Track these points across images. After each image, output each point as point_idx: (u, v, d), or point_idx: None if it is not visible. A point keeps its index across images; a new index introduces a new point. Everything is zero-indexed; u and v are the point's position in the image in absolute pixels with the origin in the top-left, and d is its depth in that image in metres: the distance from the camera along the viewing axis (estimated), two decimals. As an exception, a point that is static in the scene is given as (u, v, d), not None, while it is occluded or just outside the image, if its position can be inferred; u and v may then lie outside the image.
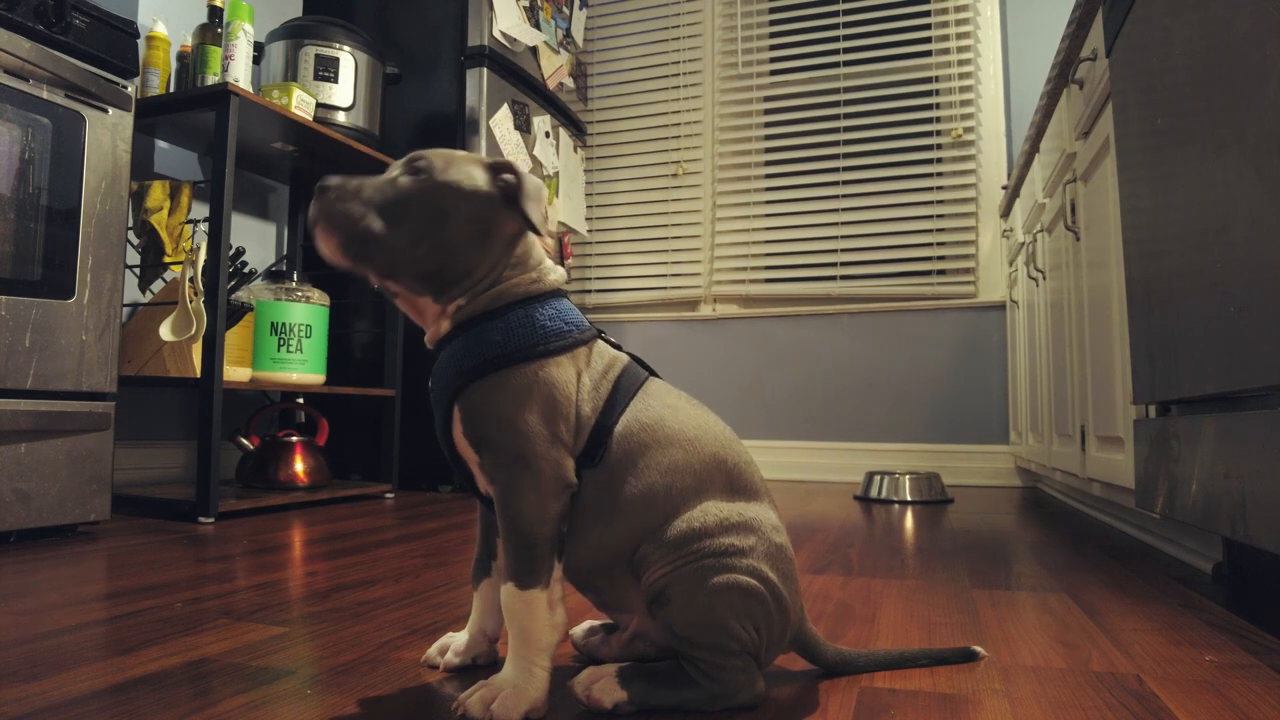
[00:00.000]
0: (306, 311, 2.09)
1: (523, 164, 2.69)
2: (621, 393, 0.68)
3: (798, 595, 0.69)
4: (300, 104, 2.08)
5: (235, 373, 1.90)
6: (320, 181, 0.67)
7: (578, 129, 3.17)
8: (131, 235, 2.00)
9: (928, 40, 3.19)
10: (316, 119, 2.20)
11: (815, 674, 0.75)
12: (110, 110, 1.56)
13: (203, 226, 2.13)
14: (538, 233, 0.68)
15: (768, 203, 3.35)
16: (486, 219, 0.68)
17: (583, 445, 0.66)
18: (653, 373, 0.74)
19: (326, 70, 2.24)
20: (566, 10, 3.08)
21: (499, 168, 0.70)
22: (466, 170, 0.68)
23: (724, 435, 0.71)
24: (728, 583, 0.63)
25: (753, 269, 3.34)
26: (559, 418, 0.65)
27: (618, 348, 0.74)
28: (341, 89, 2.26)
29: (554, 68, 2.94)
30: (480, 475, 0.68)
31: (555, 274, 0.72)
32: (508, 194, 0.69)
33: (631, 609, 0.69)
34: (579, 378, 0.67)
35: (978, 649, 0.79)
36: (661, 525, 0.65)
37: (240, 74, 1.97)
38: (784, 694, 0.69)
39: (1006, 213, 2.89)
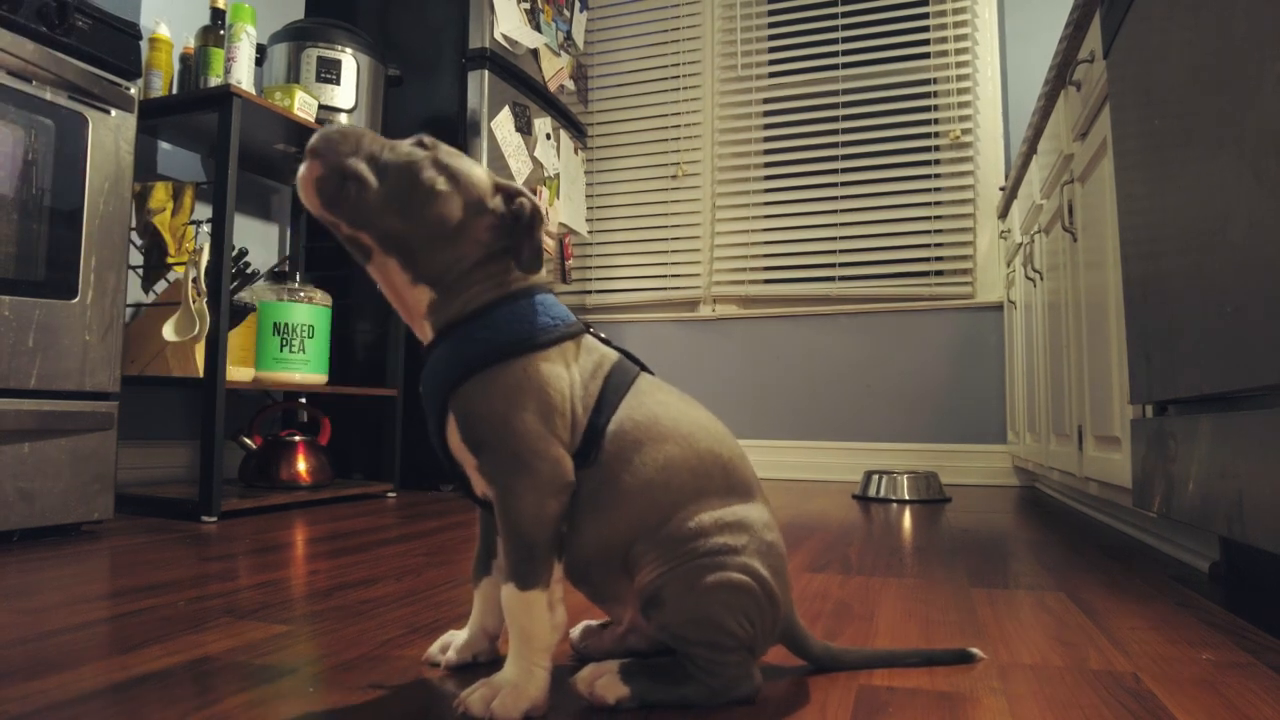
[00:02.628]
0: (309, 312, 2.09)
1: (523, 165, 2.69)
2: (612, 390, 0.68)
3: (787, 590, 0.69)
4: (302, 106, 2.09)
5: (238, 373, 1.91)
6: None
7: (578, 131, 3.17)
8: (134, 236, 2.01)
9: (926, 43, 3.20)
10: (319, 120, 2.21)
11: (812, 672, 0.75)
12: (113, 111, 1.56)
13: (205, 227, 2.14)
14: (531, 270, 0.69)
15: (767, 204, 3.36)
16: (468, 219, 0.67)
17: (577, 445, 0.66)
18: (644, 368, 0.74)
19: (328, 72, 2.25)
20: (567, 13, 3.09)
21: (511, 192, 0.70)
22: (471, 169, 0.69)
23: (717, 431, 0.70)
24: (720, 580, 0.63)
25: (752, 269, 3.35)
26: (555, 414, 0.64)
27: (606, 342, 0.73)
28: (343, 91, 2.26)
29: (555, 70, 2.95)
30: (477, 478, 0.67)
31: None
32: (518, 217, 0.68)
33: (625, 602, 0.70)
34: (569, 373, 0.67)
35: (975, 651, 0.78)
36: (658, 522, 0.65)
37: (243, 76, 1.97)
38: (782, 692, 0.70)
39: (1004, 214, 2.90)
